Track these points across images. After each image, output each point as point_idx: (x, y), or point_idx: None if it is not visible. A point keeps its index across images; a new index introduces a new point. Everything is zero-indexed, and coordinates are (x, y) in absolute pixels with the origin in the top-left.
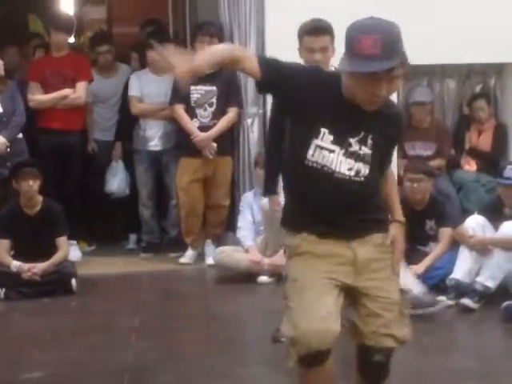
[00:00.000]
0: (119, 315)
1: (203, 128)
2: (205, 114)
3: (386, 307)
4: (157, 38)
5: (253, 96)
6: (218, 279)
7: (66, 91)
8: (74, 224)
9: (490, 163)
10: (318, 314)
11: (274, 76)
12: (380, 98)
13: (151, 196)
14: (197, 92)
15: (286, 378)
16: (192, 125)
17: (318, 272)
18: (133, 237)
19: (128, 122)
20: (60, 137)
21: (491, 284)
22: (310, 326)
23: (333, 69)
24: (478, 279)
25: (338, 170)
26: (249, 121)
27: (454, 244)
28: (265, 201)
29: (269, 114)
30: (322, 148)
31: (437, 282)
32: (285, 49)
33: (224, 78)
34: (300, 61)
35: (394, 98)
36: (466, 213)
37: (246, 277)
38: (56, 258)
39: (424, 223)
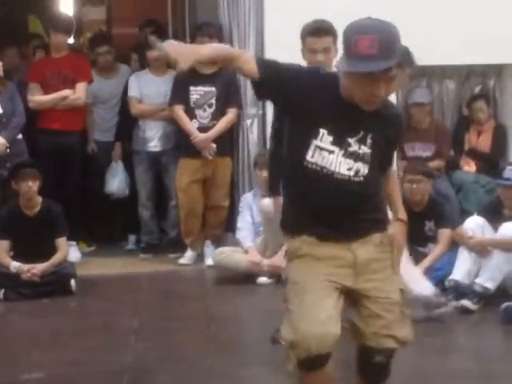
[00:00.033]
0: (118, 316)
1: (202, 129)
2: (204, 114)
3: (386, 308)
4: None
5: (252, 97)
6: (218, 280)
7: (66, 92)
8: (73, 225)
9: (490, 164)
10: (318, 318)
11: (272, 77)
12: (378, 97)
13: (150, 197)
14: (196, 93)
15: (286, 379)
16: (191, 126)
17: (318, 275)
18: (132, 237)
19: (128, 122)
20: (60, 137)
21: (490, 285)
22: (309, 330)
23: (335, 69)
24: (477, 280)
25: (337, 170)
26: (248, 121)
27: (454, 245)
28: (264, 201)
29: (268, 114)
30: (321, 149)
31: (436, 283)
32: (284, 49)
33: (223, 79)
34: (302, 61)
35: (393, 99)
36: (465, 214)
37: (245, 278)
38: (55, 258)
39: (423, 224)
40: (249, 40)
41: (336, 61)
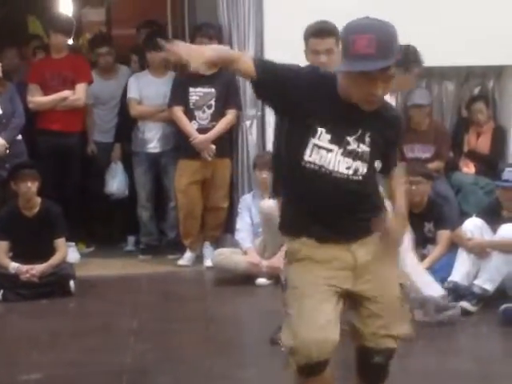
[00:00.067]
0: (118, 317)
1: (202, 130)
2: (203, 116)
3: (385, 307)
4: (154, 40)
5: (251, 98)
6: (217, 281)
7: (66, 93)
8: (72, 225)
9: (489, 166)
10: (317, 323)
11: (270, 78)
12: (376, 97)
13: (150, 198)
14: (195, 94)
15: (285, 380)
16: (191, 127)
17: (318, 278)
18: (131, 239)
19: (127, 123)
20: (59, 138)
21: (489, 287)
22: (309, 335)
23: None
24: (476, 282)
25: (336, 169)
26: (247, 123)
27: (453, 246)
28: (263, 203)
29: (267, 116)
30: (319, 147)
31: None
32: (284, 50)
33: (223, 80)
34: (301, 62)
35: (392, 99)
36: (464, 215)
37: (244, 279)
38: (54, 259)
39: (422, 226)
40: (248, 41)
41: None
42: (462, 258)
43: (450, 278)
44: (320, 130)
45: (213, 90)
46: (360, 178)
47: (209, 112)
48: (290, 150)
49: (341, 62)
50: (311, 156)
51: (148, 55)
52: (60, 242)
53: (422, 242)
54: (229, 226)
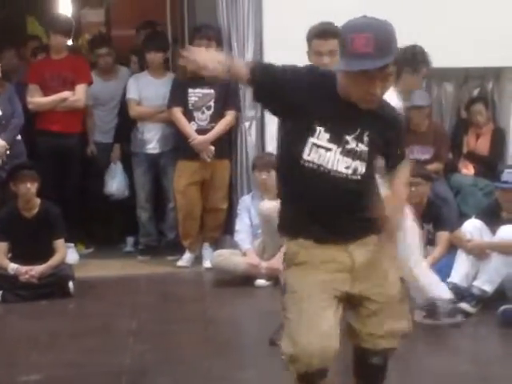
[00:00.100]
0: (117, 318)
1: (201, 131)
2: (203, 117)
3: (384, 306)
4: (155, 41)
5: (251, 99)
6: (216, 282)
7: (66, 94)
8: (71, 226)
9: (488, 167)
10: (318, 330)
11: (268, 80)
12: (375, 96)
13: (149, 199)
14: (195, 95)
15: (284, 381)
16: (190, 128)
17: (317, 283)
18: (130, 239)
19: (126, 124)
20: (59, 139)
21: (488, 288)
22: (310, 343)
23: None
24: (476, 283)
25: (334, 168)
26: (246, 124)
27: (452, 248)
28: (262, 204)
29: (267, 117)
30: (318, 146)
31: None
32: (283, 50)
33: (222, 82)
34: (300, 62)
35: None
36: (463, 217)
37: (243, 280)
38: (53, 260)
39: (421, 227)
40: (247, 41)
41: None
42: (461, 260)
43: (449, 280)
44: (319, 129)
45: (212, 91)
46: (359, 177)
47: (208, 113)
48: (288, 149)
49: (339, 60)
50: (310, 155)
51: (147, 56)
52: (59, 243)
53: None
54: (228, 227)
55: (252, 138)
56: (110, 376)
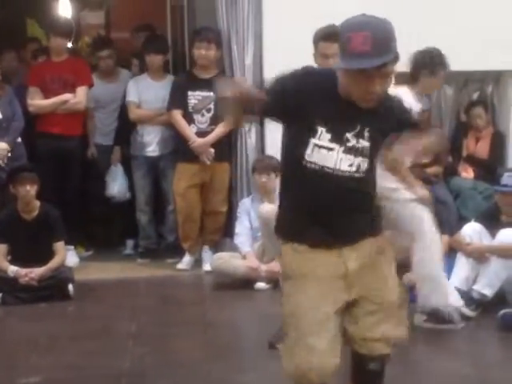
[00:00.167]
0: (116, 320)
1: (201, 134)
2: (202, 119)
3: (381, 309)
4: (154, 43)
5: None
6: (215, 285)
7: (66, 96)
8: (71, 229)
9: (488, 170)
10: (318, 347)
11: (274, 99)
12: (374, 94)
13: (149, 201)
14: (194, 98)
15: None
16: (189, 130)
17: (314, 296)
18: (130, 242)
19: (126, 127)
20: (60, 142)
21: (488, 292)
22: (309, 362)
23: None
24: (475, 287)
25: (338, 167)
26: (246, 127)
27: (451, 251)
28: (262, 207)
29: (266, 119)
30: (320, 147)
31: None
32: (282, 53)
33: None
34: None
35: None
36: (463, 220)
37: (243, 283)
38: (53, 263)
39: None
40: (247, 44)
41: None
42: (461, 263)
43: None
44: (320, 129)
45: (212, 93)
46: (362, 174)
47: (208, 116)
48: (290, 151)
49: (339, 59)
50: (312, 156)
51: (147, 58)
52: (59, 246)
53: None
54: (228, 230)
55: (252, 140)
56: (109, 379)
